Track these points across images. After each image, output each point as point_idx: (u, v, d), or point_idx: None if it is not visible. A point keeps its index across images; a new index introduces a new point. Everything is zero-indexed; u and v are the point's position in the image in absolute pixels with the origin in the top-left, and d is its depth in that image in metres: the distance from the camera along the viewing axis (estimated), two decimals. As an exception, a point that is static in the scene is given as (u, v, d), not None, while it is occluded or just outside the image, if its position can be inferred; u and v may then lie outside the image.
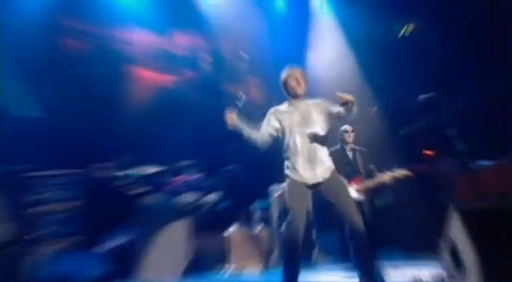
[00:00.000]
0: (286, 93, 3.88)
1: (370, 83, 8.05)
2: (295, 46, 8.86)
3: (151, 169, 6.82)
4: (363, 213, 4.68)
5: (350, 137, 5.22)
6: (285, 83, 3.85)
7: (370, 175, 5.07)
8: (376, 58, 7.93)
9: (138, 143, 7.42)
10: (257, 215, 6.97)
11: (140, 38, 8.59)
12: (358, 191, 4.94)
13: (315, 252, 6.60)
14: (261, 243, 6.46)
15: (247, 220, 6.89)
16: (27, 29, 6.99)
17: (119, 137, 7.42)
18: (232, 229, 6.44)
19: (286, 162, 3.72)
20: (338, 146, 5.25)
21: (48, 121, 7.14)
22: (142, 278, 5.62)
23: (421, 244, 6.20)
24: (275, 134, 3.81)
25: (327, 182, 3.62)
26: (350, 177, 4.99)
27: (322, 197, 3.72)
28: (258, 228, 6.67)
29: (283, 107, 3.88)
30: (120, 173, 6.69)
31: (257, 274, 6.09)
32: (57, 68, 7.36)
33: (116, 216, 6.32)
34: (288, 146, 3.70)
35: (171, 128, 7.99)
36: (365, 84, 8.11)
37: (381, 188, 5.18)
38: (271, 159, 7.35)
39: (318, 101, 3.89)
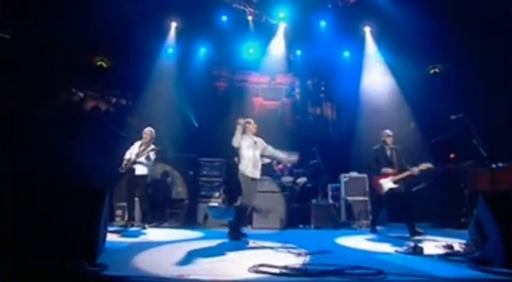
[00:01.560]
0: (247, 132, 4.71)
1: (409, 105, 7.71)
2: (356, 81, 8.65)
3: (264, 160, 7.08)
4: (399, 197, 4.87)
5: (390, 140, 5.06)
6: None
7: (402, 169, 4.89)
8: (414, 89, 7.63)
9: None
10: (330, 192, 6.92)
11: (256, 79, 9.27)
12: (393, 181, 4.87)
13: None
14: (332, 211, 6.29)
15: (324, 195, 6.81)
16: (195, 76, 8.09)
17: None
18: (314, 201, 6.41)
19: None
20: (378, 146, 5.12)
21: (201, 129, 8.11)
22: (256, 227, 5.78)
23: (446, 220, 5.96)
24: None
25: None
26: (387, 170, 4.92)
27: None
28: (331, 201, 6.61)
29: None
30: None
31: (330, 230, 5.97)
32: (210, 98, 8.39)
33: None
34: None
35: (275, 134, 7.95)
36: (405, 106, 7.77)
37: (411, 179, 4.96)
38: (340, 158, 7.53)
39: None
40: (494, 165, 4.60)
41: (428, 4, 6.81)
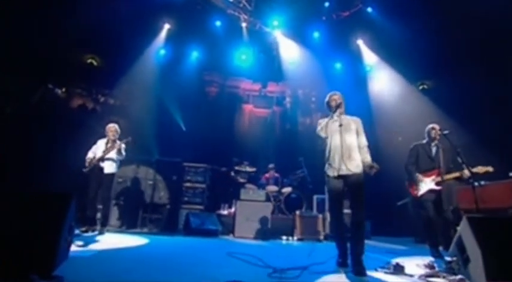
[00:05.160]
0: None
1: (399, 117, 7.72)
2: (346, 93, 8.72)
3: (250, 168, 7.01)
4: (440, 201, 4.15)
5: (437, 134, 4.28)
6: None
7: (449, 170, 4.15)
8: (403, 102, 7.69)
9: (242, 151, 7.72)
10: (315, 203, 6.73)
11: (247, 86, 9.23)
12: (435, 182, 4.13)
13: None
14: (317, 223, 6.11)
15: (309, 206, 6.73)
16: (186, 79, 7.95)
17: (230, 146, 7.95)
18: (298, 212, 6.20)
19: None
20: (421, 142, 4.41)
21: (188, 133, 7.92)
22: (238, 236, 5.64)
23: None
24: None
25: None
26: (429, 169, 4.19)
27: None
28: (315, 212, 6.39)
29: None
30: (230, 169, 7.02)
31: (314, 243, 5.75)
32: (199, 102, 8.24)
33: (227, 195, 6.78)
34: None
35: (263, 143, 8.33)
36: (395, 118, 7.78)
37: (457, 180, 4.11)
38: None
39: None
40: (476, 184, 4.53)
41: (419, 22, 6.88)
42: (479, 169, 4.03)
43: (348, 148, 3.15)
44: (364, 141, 3.27)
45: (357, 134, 3.27)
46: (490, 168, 4.04)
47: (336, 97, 3.35)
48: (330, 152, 3.21)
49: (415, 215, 6.11)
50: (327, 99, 3.40)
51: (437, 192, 4.15)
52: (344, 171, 3.09)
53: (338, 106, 3.27)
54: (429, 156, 4.30)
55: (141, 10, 7.14)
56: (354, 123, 3.30)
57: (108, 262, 3.04)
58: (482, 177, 4.37)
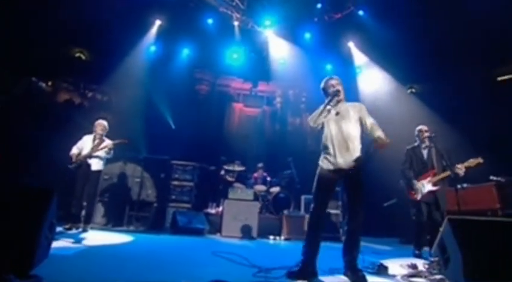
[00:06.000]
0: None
1: (388, 119, 7.91)
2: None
3: (238, 167, 6.97)
4: (437, 202, 4.15)
5: (425, 136, 4.32)
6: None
7: (444, 169, 4.17)
8: (393, 104, 7.81)
9: (231, 150, 7.69)
10: (303, 204, 6.63)
11: (238, 85, 9.17)
12: (432, 183, 4.18)
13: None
14: (304, 223, 5.88)
15: (296, 206, 6.72)
16: (176, 77, 7.84)
17: (219, 145, 7.90)
18: (286, 211, 6.22)
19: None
20: (412, 146, 4.47)
21: (177, 131, 7.84)
22: (225, 235, 5.58)
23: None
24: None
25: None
26: (424, 172, 4.25)
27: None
28: (303, 212, 6.36)
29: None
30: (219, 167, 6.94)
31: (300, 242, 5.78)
32: (190, 100, 8.16)
33: (215, 193, 6.71)
34: None
35: (252, 142, 8.28)
36: (384, 119, 7.94)
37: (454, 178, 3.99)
38: (315, 170, 7.50)
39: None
40: (459, 186, 4.63)
41: (410, 26, 6.98)
42: (471, 162, 4.09)
43: (345, 138, 2.77)
44: (371, 120, 2.92)
45: (361, 120, 2.89)
46: (480, 160, 4.08)
47: (334, 82, 2.98)
48: (325, 142, 2.85)
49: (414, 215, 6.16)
50: (322, 84, 3.05)
51: (435, 193, 4.21)
52: (340, 165, 2.72)
53: (335, 94, 2.88)
54: (421, 160, 4.36)
55: (132, 5, 7.05)
56: (354, 110, 2.91)
57: (90, 260, 2.97)
58: (468, 179, 4.49)
